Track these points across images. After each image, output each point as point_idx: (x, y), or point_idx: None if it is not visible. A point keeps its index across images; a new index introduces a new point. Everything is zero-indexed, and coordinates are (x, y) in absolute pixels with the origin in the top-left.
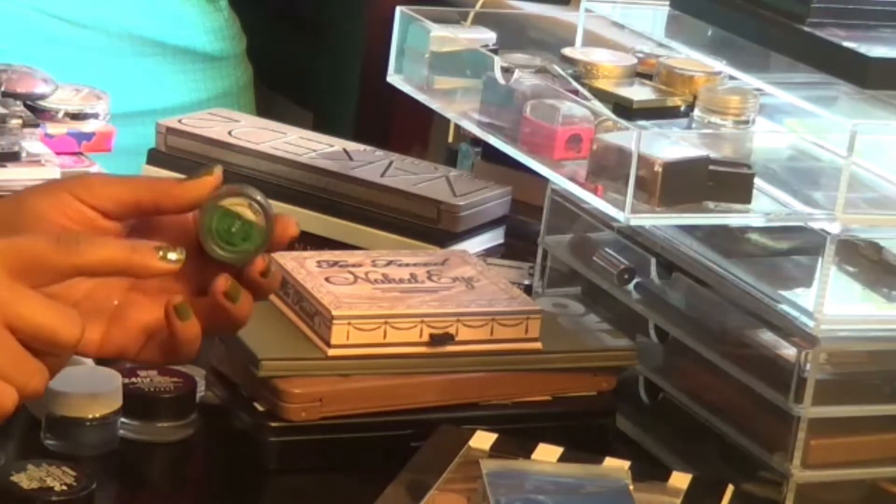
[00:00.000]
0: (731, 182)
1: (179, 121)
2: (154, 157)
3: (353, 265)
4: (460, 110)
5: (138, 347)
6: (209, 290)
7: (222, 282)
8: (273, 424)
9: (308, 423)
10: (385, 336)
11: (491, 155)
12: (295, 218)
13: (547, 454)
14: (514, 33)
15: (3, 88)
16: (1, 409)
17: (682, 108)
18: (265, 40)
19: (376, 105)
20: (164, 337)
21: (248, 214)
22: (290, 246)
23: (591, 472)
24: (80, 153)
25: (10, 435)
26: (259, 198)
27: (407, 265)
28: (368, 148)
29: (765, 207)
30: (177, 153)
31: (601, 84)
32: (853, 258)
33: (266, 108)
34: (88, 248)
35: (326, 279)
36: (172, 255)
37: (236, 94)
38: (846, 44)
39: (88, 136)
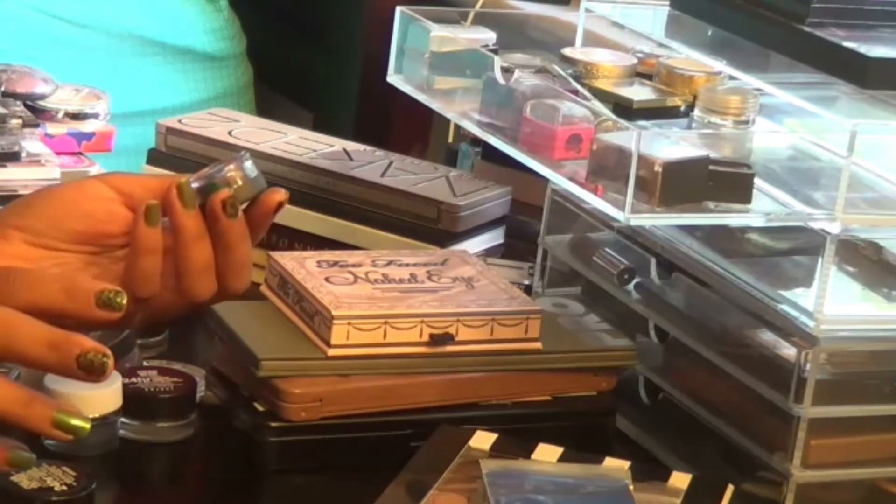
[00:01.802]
0: (731, 182)
1: (179, 121)
2: (154, 157)
3: (353, 265)
4: (460, 110)
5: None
6: (207, 205)
7: (224, 192)
8: (273, 424)
9: (308, 423)
10: (385, 336)
11: (491, 155)
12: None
13: (547, 454)
14: (514, 33)
15: (3, 88)
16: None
17: (682, 108)
18: (265, 40)
19: (376, 105)
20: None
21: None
22: (290, 246)
23: (591, 472)
24: (80, 153)
25: (11, 435)
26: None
27: (407, 265)
28: (368, 148)
29: (765, 207)
30: (177, 153)
31: (601, 84)
32: (853, 258)
33: (266, 108)
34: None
35: (326, 279)
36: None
37: (236, 94)
38: (846, 44)
39: (88, 136)
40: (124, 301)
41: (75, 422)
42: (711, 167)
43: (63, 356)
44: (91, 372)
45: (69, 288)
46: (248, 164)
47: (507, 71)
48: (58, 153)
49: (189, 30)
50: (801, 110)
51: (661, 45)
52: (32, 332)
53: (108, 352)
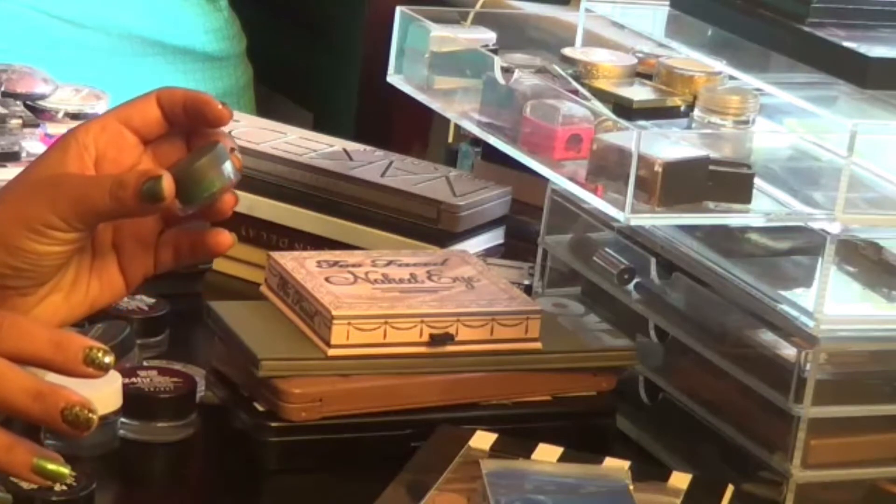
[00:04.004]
0: (731, 182)
1: None
2: None
3: (353, 265)
4: (460, 110)
5: (151, 264)
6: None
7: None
8: (273, 424)
9: (308, 423)
10: (385, 336)
11: (491, 155)
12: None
13: (547, 454)
14: (514, 33)
15: (3, 88)
16: None
17: (682, 108)
18: (265, 40)
19: (376, 105)
20: (171, 239)
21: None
22: (290, 246)
23: (591, 472)
24: None
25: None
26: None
27: (407, 265)
28: (368, 148)
29: (765, 207)
30: None
31: (601, 84)
32: (853, 258)
33: (266, 108)
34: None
35: (326, 279)
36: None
37: (236, 94)
38: (846, 44)
39: None
40: (112, 361)
41: (54, 467)
42: (711, 167)
43: (48, 408)
44: (76, 426)
45: (59, 342)
46: (227, 166)
47: (507, 71)
48: None
49: (189, 30)
50: (801, 110)
51: (661, 45)
52: (19, 382)
53: (94, 406)
